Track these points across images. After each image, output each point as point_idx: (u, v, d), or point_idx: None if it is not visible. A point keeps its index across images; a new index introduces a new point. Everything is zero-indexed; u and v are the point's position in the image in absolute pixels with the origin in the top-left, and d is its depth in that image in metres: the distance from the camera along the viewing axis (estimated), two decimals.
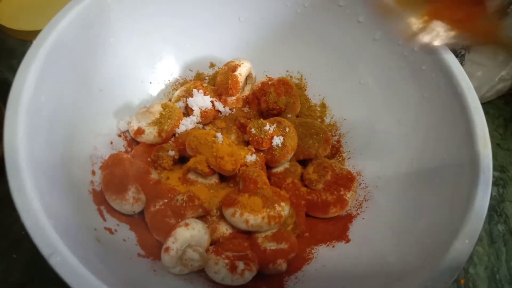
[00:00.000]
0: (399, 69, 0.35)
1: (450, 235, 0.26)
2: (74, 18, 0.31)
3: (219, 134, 0.32)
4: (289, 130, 0.34)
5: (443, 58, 0.32)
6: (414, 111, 0.34)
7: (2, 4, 0.48)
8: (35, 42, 0.29)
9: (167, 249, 0.28)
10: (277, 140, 0.33)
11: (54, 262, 0.21)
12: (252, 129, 0.34)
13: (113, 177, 0.30)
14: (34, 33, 0.45)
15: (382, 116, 0.37)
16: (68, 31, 0.31)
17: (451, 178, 0.29)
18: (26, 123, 0.26)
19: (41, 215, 0.23)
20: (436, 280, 0.24)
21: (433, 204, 0.30)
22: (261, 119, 0.34)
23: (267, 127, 0.34)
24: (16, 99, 0.27)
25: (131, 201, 0.30)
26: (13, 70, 0.44)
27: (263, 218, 0.30)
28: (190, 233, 0.28)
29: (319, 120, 0.40)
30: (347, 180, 0.34)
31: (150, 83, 0.39)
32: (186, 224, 0.29)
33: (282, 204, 0.31)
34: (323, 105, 0.41)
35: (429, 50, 0.32)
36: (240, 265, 0.29)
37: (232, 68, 0.37)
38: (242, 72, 0.37)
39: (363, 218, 0.34)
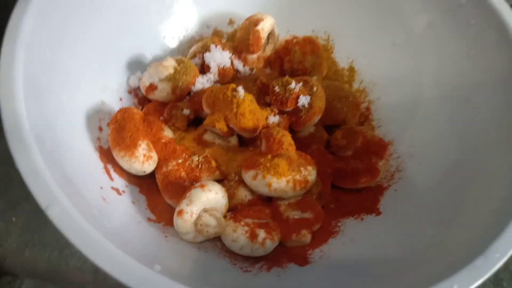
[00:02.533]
0: (442, 24, 0.31)
1: (500, 211, 0.23)
2: None
3: (240, 88, 0.28)
4: (316, 90, 0.30)
5: (496, 9, 0.28)
6: (456, 70, 0.31)
7: None
8: None
9: (180, 212, 0.25)
10: (304, 100, 0.30)
11: (52, 213, 0.18)
12: (276, 87, 0.30)
13: (122, 131, 0.27)
14: None
15: (417, 78, 0.33)
16: None
17: (501, 150, 0.26)
18: (25, 72, 0.23)
19: (40, 162, 0.20)
20: (484, 259, 0.21)
21: (478, 178, 0.27)
22: (287, 77, 0.31)
23: (293, 85, 0.30)
24: (13, 45, 0.23)
25: (141, 158, 0.27)
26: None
27: (287, 182, 0.26)
28: (206, 195, 0.25)
29: (346, 85, 0.37)
30: (379, 147, 0.31)
31: (164, 37, 0.36)
32: (202, 186, 0.26)
33: (309, 168, 0.27)
34: (351, 69, 0.37)
35: (480, 2, 0.29)
36: (261, 233, 0.26)
37: (254, 22, 0.34)
38: (265, 27, 0.34)
39: (395, 190, 0.31)
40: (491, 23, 0.28)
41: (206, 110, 0.29)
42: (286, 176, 0.26)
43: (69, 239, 0.18)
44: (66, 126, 0.25)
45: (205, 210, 0.26)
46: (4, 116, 0.21)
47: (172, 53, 0.36)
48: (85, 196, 0.22)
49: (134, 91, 0.33)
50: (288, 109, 0.31)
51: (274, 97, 0.31)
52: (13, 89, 0.22)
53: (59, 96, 0.26)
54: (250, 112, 0.28)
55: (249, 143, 0.31)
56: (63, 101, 0.26)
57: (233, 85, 0.28)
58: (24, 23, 0.24)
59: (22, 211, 0.31)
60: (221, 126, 0.28)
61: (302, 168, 0.27)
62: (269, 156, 0.27)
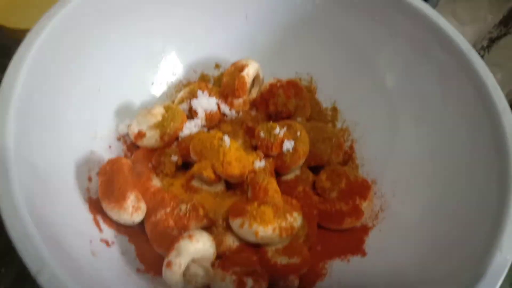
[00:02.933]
0: (417, 68, 0.33)
1: (483, 248, 0.24)
2: (72, 12, 0.29)
3: (226, 137, 0.29)
4: (300, 134, 0.32)
5: (466, 57, 0.30)
6: (434, 111, 0.32)
7: None
8: (29, 37, 0.27)
9: (169, 263, 0.25)
10: (288, 145, 0.31)
11: (43, 279, 0.19)
12: (261, 133, 0.31)
13: (111, 183, 0.28)
14: (28, 32, 0.43)
15: (398, 118, 0.35)
16: (63, 26, 0.29)
17: (479, 184, 0.27)
18: (16, 123, 0.24)
19: (29, 225, 0.21)
20: None
21: (460, 212, 0.28)
22: (271, 122, 0.32)
23: (277, 130, 0.31)
24: (7, 97, 0.25)
25: (130, 210, 0.28)
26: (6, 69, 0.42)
27: (274, 229, 0.27)
28: (194, 246, 0.26)
29: (330, 124, 0.38)
30: (362, 189, 0.32)
31: (152, 84, 0.37)
32: (190, 236, 0.26)
33: (295, 214, 0.28)
34: (334, 109, 0.38)
35: (452, 49, 0.30)
36: (249, 281, 0.26)
37: (239, 68, 0.35)
38: (249, 72, 0.35)
39: (380, 230, 0.32)
40: (461, 69, 0.30)
41: (194, 157, 0.30)
42: (272, 224, 0.27)
43: None
44: (56, 182, 0.26)
45: (193, 261, 0.26)
46: None
47: (160, 98, 0.37)
48: (74, 255, 0.23)
49: (123, 138, 0.34)
50: (273, 154, 0.32)
51: (259, 142, 0.32)
52: (4, 152, 0.23)
53: (50, 152, 0.27)
54: (236, 159, 0.29)
55: (236, 186, 0.32)
56: (53, 156, 0.27)
57: (219, 134, 0.29)
58: (17, 82, 0.25)
59: (11, 262, 0.31)
60: (208, 173, 0.29)
61: (288, 215, 0.28)
62: (255, 204, 0.28)
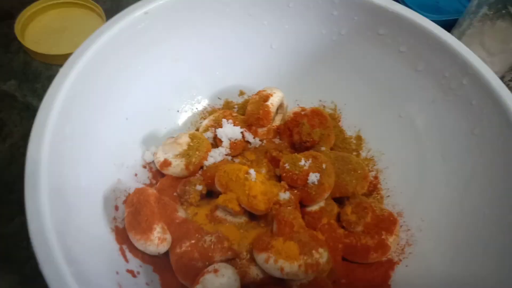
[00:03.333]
0: (445, 102, 0.32)
1: None
2: (102, 46, 0.30)
3: (252, 171, 0.29)
4: (326, 167, 0.31)
5: (496, 93, 0.29)
6: (461, 147, 0.31)
7: (29, 27, 0.47)
8: (62, 70, 0.28)
9: None
10: (313, 177, 0.31)
11: None
12: (286, 165, 0.31)
13: (138, 215, 0.28)
14: (59, 57, 0.44)
15: (424, 151, 0.34)
16: (95, 59, 0.29)
17: (508, 224, 0.26)
18: (48, 154, 0.25)
19: (61, 262, 0.21)
20: None
21: (490, 253, 0.27)
22: (296, 154, 0.32)
23: (302, 162, 0.31)
24: (41, 129, 0.25)
25: (156, 241, 0.28)
26: (37, 94, 0.44)
27: (299, 266, 0.27)
28: (219, 281, 0.26)
29: (354, 153, 0.38)
30: (389, 223, 0.31)
31: (178, 111, 0.37)
32: (215, 271, 0.26)
33: (320, 250, 0.28)
34: (358, 138, 0.38)
35: (481, 84, 0.30)
36: None
37: (263, 97, 0.35)
38: (274, 102, 0.35)
39: (406, 266, 0.31)
40: (492, 105, 0.29)
41: (219, 189, 0.30)
42: (298, 261, 0.27)
43: None
44: (85, 215, 0.26)
45: None
46: (29, 216, 0.22)
47: (185, 124, 0.38)
48: None
49: (148, 165, 0.35)
50: (298, 186, 0.31)
51: (284, 174, 0.31)
52: (38, 185, 0.23)
53: (79, 182, 0.27)
54: (261, 193, 0.29)
55: (260, 217, 0.32)
56: (82, 188, 0.27)
57: (245, 168, 0.29)
58: (50, 117, 0.26)
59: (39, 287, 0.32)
60: (233, 206, 0.29)
61: (313, 251, 0.27)
62: (281, 239, 0.28)
